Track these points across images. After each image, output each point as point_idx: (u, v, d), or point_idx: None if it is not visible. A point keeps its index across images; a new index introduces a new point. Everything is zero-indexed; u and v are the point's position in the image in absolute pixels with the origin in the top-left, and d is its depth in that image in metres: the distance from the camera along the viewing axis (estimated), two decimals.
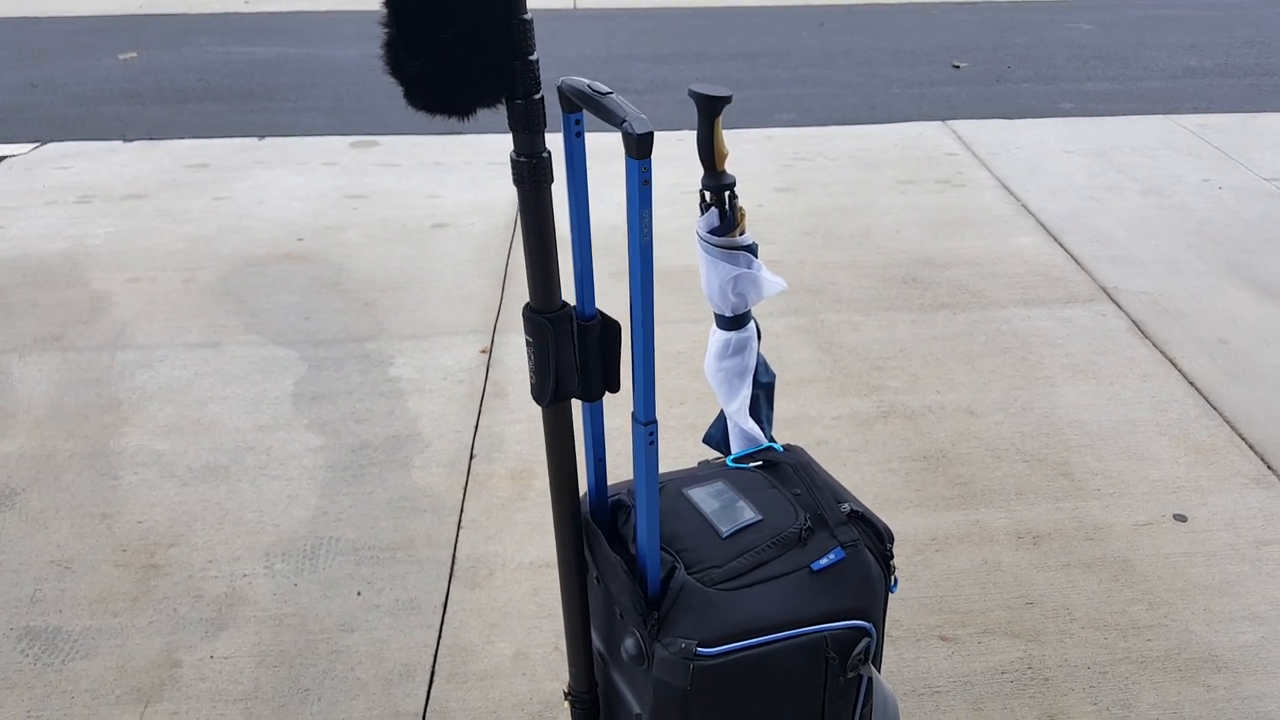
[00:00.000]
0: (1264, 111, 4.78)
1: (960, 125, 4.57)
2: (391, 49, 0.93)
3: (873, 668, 1.29)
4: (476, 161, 4.15)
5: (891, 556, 1.30)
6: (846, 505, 1.31)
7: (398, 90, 0.96)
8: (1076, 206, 3.71)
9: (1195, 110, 4.81)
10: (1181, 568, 2.04)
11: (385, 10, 0.92)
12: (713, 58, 5.84)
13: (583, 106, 1.01)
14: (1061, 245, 3.41)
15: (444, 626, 1.89)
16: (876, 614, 1.28)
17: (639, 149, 0.93)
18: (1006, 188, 3.89)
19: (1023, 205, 3.73)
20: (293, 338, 2.86)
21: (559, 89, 1.04)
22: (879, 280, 3.19)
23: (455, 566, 2.03)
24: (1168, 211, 3.67)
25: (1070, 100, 5.04)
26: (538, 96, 0.99)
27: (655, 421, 1.12)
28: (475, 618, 1.91)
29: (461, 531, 2.12)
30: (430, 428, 2.46)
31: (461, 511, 2.18)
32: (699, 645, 1.15)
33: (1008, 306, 3.02)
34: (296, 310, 3.00)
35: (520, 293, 3.11)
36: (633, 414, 1.13)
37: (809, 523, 1.28)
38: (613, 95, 0.97)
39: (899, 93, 5.17)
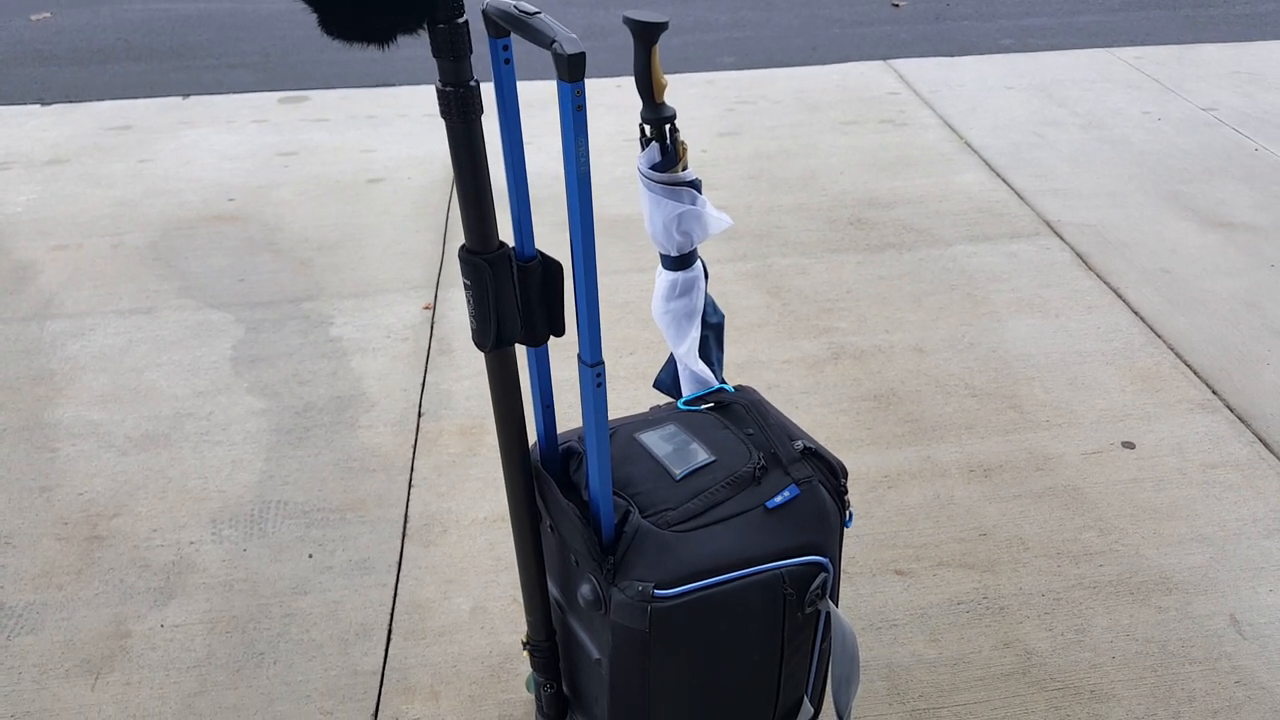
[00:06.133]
0: (1200, 42, 4.81)
1: (901, 64, 4.55)
2: None
3: (831, 603, 1.28)
4: (411, 114, 4.03)
5: (846, 491, 1.30)
6: (799, 442, 1.30)
7: (326, 44, 0.90)
8: (1018, 142, 3.71)
9: (1133, 43, 4.83)
10: (1131, 493, 2.07)
11: None
12: (651, 1, 5.73)
13: (510, 30, 0.96)
14: (1005, 181, 3.42)
15: (399, 585, 1.86)
16: (832, 549, 1.27)
17: (570, 71, 0.88)
18: (949, 126, 3.88)
19: (965, 142, 3.73)
20: (228, 300, 2.76)
21: (484, 12, 0.99)
22: (825, 222, 3.17)
23: (408, 525, 2.00)
24: (1108, 144, 3.69)
25: (1010, 36, 5.04)
26: (461, 20, 0.94)
27: (602, 363, 1.09)
28: (431, 575, 1.88)
29: (413, 490, 2.08)
30: (376, 387, 2.40)
31: (412, 470, 2.14)
32: (656, 587, 1.14)
33: (953, 244, 3.02)
34: (230, 272, 2.91)
35: None
36: (578, 355, 1.10)
37: (762, 461, 1.26)
38: (541, 15, 0.92)
39: (840, 33, 5.12)
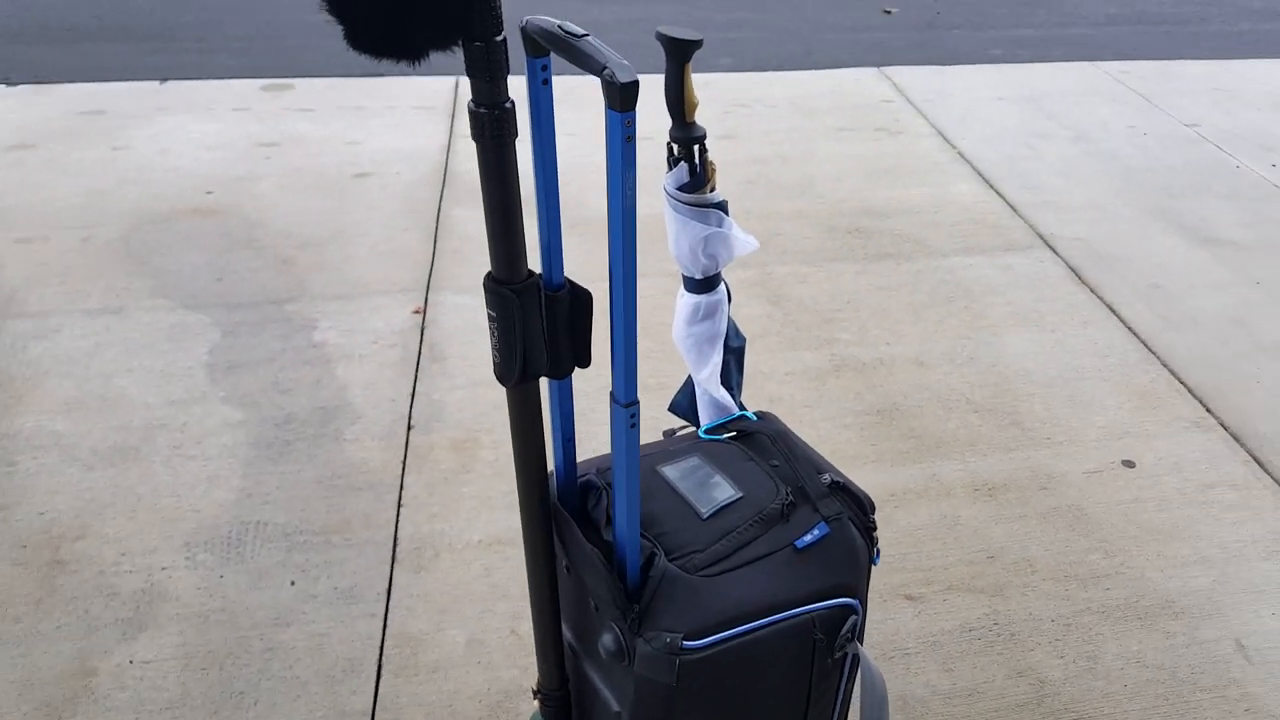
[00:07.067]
0: (1180, 58, 4.83)
1: (895, 72, 4.51)
2: None
3: (859, 645, 1.23)
4: (400, 106, 3.93)
5: (874, 527, 1.24)
6: (827, 476, 1.24)
7: (313, 28, 0.82)
8: (1010, 153, 3.69)
9: (1117, 57, 4.83)
10: (1133, 514, 2.05)
11: None
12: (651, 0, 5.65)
13: (551, 50, 0.89)
14: (998, 192, 3.39)
15: (389, 615, 1.77)
16: (861, 589, 1.22)
17: (623, 100, 0.82)
18: (942, 135, 3.85)
19: (959, 153, 3.70)
20: (204, 301, 2.66)
21: (523, 30, 0.91)
22: (824, 230, 3.12)
23: (397, 548, 1.91)
24: (1096, 158, 3.68)
25: (999, 47, 5.02)
26: (500, 38, 0.87)
27: (637, 403, 1.02)
28: (423, 604, 1.80)
29: (402, 510, 2.00)
30: (362, 397, 2.31)
31: (401, 488, 2.05)
32: (684, 639, 1.07)
33: (950, 255, 2.99)
34: (207, 270, 2.80)
35: (455, 247, 2.95)
36: (611, 394, 1.03)
37: (790, 497, 1.20)
38: (589, 38, 0.85)
39: (833, 38, 5.08)
